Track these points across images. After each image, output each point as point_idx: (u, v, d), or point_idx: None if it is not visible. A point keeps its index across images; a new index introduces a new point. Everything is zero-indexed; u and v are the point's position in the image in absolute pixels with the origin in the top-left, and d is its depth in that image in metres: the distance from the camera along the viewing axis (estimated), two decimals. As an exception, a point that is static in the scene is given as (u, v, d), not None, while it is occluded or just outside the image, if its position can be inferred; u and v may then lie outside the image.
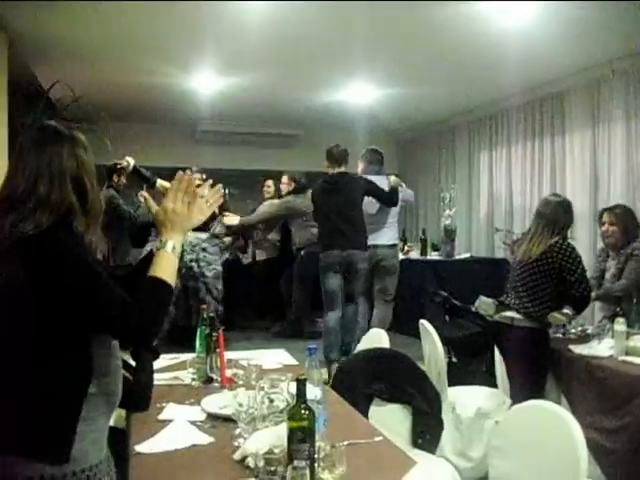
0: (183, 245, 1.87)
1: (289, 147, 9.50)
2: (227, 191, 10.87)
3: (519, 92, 7.26)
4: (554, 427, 2.12)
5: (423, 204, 10.38)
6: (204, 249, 6.65)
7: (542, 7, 4.66)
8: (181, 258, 1.87)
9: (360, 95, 7.60)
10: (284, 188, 7.72)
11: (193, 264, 6.52)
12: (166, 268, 1.78)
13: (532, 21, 4.93)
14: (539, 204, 4.32)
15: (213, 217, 6.15)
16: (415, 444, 3.11)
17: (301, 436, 1.74)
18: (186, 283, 6.45)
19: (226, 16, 4.92)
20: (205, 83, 7.01)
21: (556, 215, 4.11)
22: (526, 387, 3.53)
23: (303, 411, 1.76)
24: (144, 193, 2.51)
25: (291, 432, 1.75)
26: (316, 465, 1.76)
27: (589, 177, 6.55)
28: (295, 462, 1.71)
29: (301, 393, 1.79)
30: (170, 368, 3.19)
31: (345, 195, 5.95)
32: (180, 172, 1.90)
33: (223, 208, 6.91)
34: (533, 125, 7.54)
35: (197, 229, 5.11)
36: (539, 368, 4.00)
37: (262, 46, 5.69)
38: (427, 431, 3.18)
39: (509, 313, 4.08)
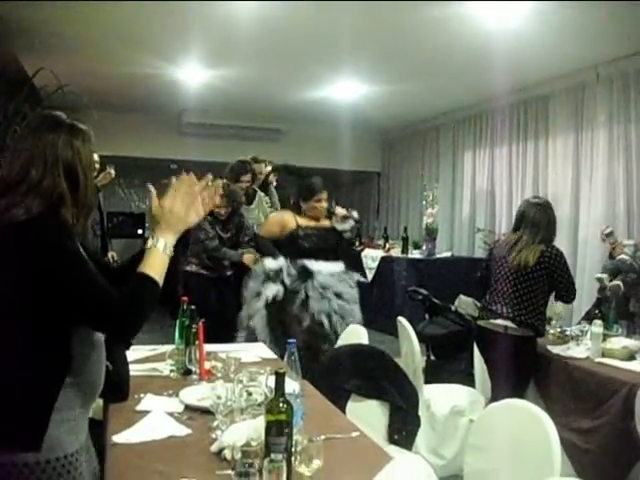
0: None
1: (273, 141, 9.49)
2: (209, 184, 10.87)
3: (504, 94, 7.30)
4: (529, 426, 2.15)
5: (405, 202, 10.43)
6: (338, 295, 4.59)
7: (530, 10, 4.70)
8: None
9: (345, 91, 7.61)
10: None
11: (322, 318, 4.47)
12: (156, 266, 1.79)
13: (519, 24, 4.95)
14: (523, 208, 4.23)
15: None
16: (391, 440, 3.13)
17: (278, 429, 1.75)
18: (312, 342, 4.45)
19: (213, 9, 4.91)
20: (191, 75, 6.99)
21: (544, 219, 4.10)
22: (511, 389, 3.54)
23: (281, 404, 1.76)
24: (151, 187, 2.35)
25: (268, 425, 1.76)
26: (293, 459, 1.77)
27: (571, 180, 6.61)
28: (272, 455, 1.72)
29: (280, 386, 1.79)
30: (149, 359, 3.19)
31: None
32: (184, 174, 1.92)
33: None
34: (517, 127, 7.59)
35: (322, 257, 4.65)
36: (527, 373, 4.02)
37: (249, 40, 5.68)
38: (403, 428, 3.20)
39: (501, 321, 4.03)
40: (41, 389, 1.68)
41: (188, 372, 2.94)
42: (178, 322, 3.15)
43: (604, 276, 4.48)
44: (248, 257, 5.32)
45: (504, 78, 6.47)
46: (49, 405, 1.68)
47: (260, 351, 3.59)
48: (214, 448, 1.99)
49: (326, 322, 4.45)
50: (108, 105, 8.24)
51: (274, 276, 4.60)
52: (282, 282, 4.55)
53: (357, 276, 4.92)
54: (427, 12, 4.82)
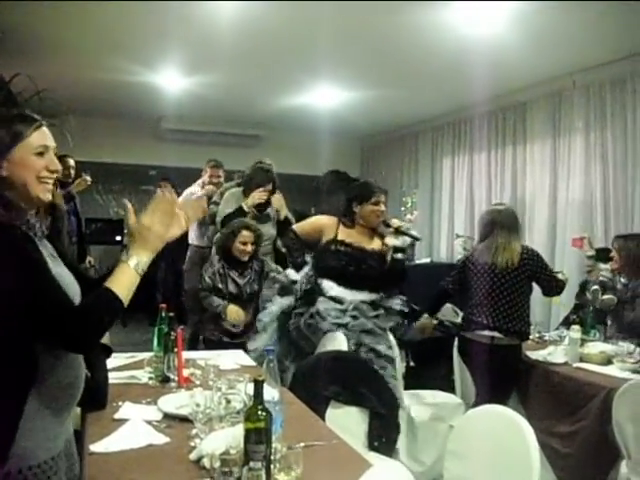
0: None
1: (253, 147, 9.46)
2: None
3: (483, 101, 7.33)
4: (508, 431, 2.16)
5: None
6: (369, 331, 3.96)
7: (508, 18, 4.72)
8: None
9: (325, 98, 7.61)
10: None
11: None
12: (123, 282, 1.75)
13: (498, 31, 4.98)
14: (491, 216, 4.32)
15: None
16: (371, 447, 3.13)
17: (257, 437, 1.74)
18: None
19: (193, 15, 4.89)
20: (170, 81, 6.96)
21: (513, 222, 4.22)
22: (496, 397, 3.57)
23: (260, 412, 1.76)
24: (128, 203, 2.25)
25: (247, 433, 1.75)
26: (272, 466, 1.77)
27: (549, 186, 6.65)
28: (251, 463, 1.71)
29: (258, 394, 1.79)
30: (127, 367, 3.17)
31: None
32: (159, 191, 1.89)
33: None
34: (496, 133, 7.63)
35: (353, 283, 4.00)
36: (512, 380, 4.05)
37: (228, 46, 5.66)
38: (383, 434, 3.21)
39: (487, 332, 4.05)
40: (4, 401, 1.64)
41: (167, 380, 2.93)
42: (156, 329, 3.14)
43: (597, 288, 4.48)
44: (231, 312, 4.58)
45: (483, 85, 6.50)
46: (14, 416, 1.64)
47: (239, 358, 3.58)
48: (193, 456, 1.98)
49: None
50: (87, 111, 8.18)
51: (289, 288, 4.24)
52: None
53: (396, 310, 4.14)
54: (407, 18, 4.84)
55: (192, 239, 6.77)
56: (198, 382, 2.83)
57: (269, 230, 5.39)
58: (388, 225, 4.10)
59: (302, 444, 2.02)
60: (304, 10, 4.77)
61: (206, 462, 1.91)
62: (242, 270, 4.81)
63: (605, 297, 4.36)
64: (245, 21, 5.03)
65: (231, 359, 3.47)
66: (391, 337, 4.05)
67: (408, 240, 4.16)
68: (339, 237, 4.11)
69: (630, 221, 5.65)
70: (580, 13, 4.60)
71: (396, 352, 4.05)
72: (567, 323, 4.75)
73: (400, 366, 4.17)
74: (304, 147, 9.57)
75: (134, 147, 9.18)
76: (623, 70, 5.70)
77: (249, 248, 4.74)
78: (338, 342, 3.92)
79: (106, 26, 5.28)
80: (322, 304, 3.94)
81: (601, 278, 4.52)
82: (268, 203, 5.47)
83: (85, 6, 4.71)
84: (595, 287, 4.45)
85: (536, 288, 4.28)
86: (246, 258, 4.77)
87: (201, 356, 3.37)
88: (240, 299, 4.71)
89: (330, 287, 4.00)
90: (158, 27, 5.24)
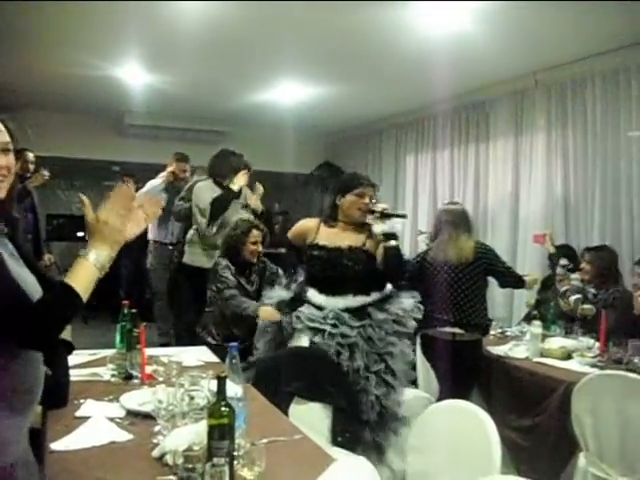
0: None
1: (218, 144, 9.35)
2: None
3: (446, 98, 7.38)
4: (470, 425, 2.19)
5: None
6: (352, 345, 3.52)
7: (472, 16, 4.76)
8: None
9: (289, 94, 7.60)
10: None
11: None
12: (81, 277, 1.70)
13: (462, 30, 5.01)
14: (443, 215, 4.39)
15: None
16: (335, 442, 3.14)
17: (221, 433, 1.74)
18: None
19: (157, 10, 4.85)
20: (134, 76, 6.89)
21: (462, 219, 4.30)
22: (459, 392, 3.60)
23: (223, 408, 1.75)
24: (84, 197, 2.15)
25: (211, 429, 1.75)
26: (235, 462, 1.77)
27: (511, 184, 6.73)
28: (214, 459, 1.71)
29: (221, 390, 1.79)
30: (89, 364, 3.14)
31: None
32: (121, 184, 1.86)
33: None
34: (459, 131, 7.69)
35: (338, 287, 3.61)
36: (474, 375, 4.10)
37: (192, 42, 5.63)
38: (347, 429, 3.22)
39: (448, 329, 4.11)
40: None
41: (129, 377, 2.91)
42: (119, 326, 3.12)
43: (579, 297, 4.52)
44: (265, 312, 4.05)
45: (446, 83, 6.56)
46: None
47: (202, 354, 3.57)
48: (156, 453, 1.97)
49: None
50: (49, 105, 8.09)
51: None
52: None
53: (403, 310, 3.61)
54: (371, 16, 4.85)
55: (154, 235, 6.69)
56: (161, 379, 2.80)
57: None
58: (372, 212, 3.62)
59: (265, 440, 2.02)
60: (269, 7, 4.75)
61: (169, 459, 1.90)
62: (248, 274, 4.72)
63: (585, 306, 4.44)
64: (209, 17, 5.01)
65: (194, 355, 3.46)
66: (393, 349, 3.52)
67: (398, 225, 3.60)
68: (317, 240, 3.74)
69: (590, 217, 5.75)
70: (542, 13, 4.66)
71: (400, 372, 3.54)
72: (528, 319, 4.83)
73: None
74: (268, 143, 9.55)
75: (97, 142, 9.05)
76: (584, 70, 5.80)
77: (260, 248, 4.67)
78: (300, 340, 3.93)
79: (68, 19, 5.21)
80: (304, 308, 3.67)
81: (569, 287, 4.61)
82: (241, 191, 5.51)
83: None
84: (577, 296, 4.51)
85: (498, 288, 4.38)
86: (255, 259, 4.69)
87: (164, 353, 3.35)
88: None
89: (313, 295, 3.70)
90: (122, 22, 5.18)
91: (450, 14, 4.74)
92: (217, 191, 5.37)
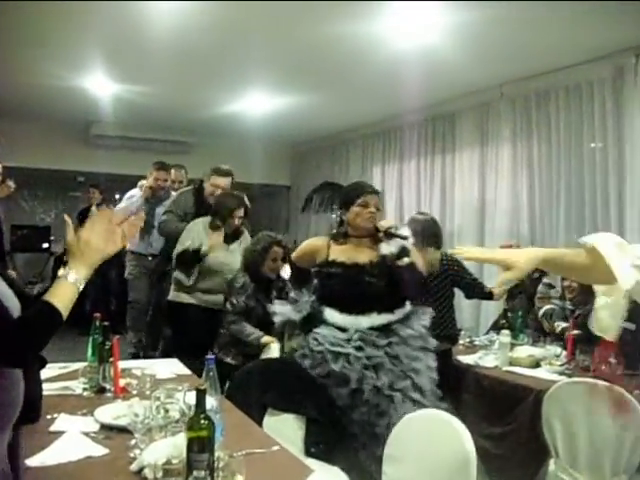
0: None
1: (184, 154, 9.36)
2: (117, 197, 10.64)
3: (413, 110, 7.47)
4: (446, 435, 2.21)
5: (316, 216, 10.46)
6: (378, 365, 3.31)
7: (438, 29, 4.82)
8: None
9: (257, 105, 7.62)
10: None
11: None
12: (61, 295, 1.72)
13: (429, 42, 5.07)
14: (411, 225, 4.43)
15: None
16: (308, 453, 3.13)
17: (200, 446, 1.74)
18: None
19: (123, 20, 4.84)
20: (101, 87, 6.85)
21: (432, 230, 4.36)
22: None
23: (202, 421, 1.76)
24: (67, 218, 2.06)
25: (190, 442, 1.74)
26: (215, 475, 1.77)
27: (477, 195, 6.83)
28: (194, 472, 1.71)
29: (200, 403, 1.79)
30: (60, 377, 3.10)
31: None
32: (95, 209, 1.87)
33: None
34: (425, 142, 7.78)
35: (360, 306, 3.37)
36: (445, 384, 4.12)
37: (159, 53, 5.63)
38: (320, 440, 3.22)
39: None
40: None
41: (102, 390, 2.88)
42: (91, 339, 3.09)
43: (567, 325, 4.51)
44: (274, 350, 4.15)
45: (413, 94, 6.63)
46: None
47: (175, 367, 3.55)
48: (134, 467, 1.96)
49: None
50: (10, 113, 7.98)
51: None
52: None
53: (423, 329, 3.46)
54: (339, 28, 4.89)
55: (133, 246, 6.45)
56: (135, 392, 2.79)
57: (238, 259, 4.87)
58: (378, 230, 3.45)
59: (243, 452, 2.03)
60: (236, 18, 4.78)
61: (148, 473, 1.89)
62: (267, 292, 4.53)
63: (564, 325, 4.49)
64: (177, 28, 5.01)
65: (167, 368, 3.44)
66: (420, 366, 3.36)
67: (407, 242, 3.41)
68: (330, 257, 3.48)
69: (555, 226, 5.86)
70: (508, 27, 4.76)
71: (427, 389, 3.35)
72: (496, 328, 4.89)
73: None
74: (235, 154, 9.50)
75: (62, 152, 8.95)
76: (548, 83, 5.93)
77: (280, 265, 4.59)
78: (271, 351, 3.92)
79: (33, 29, 5.17)
80: (322, 329, 3.40)
81: (553, 306, 4.66)
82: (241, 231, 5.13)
83: (8, 6, 4.59)
84: (565, 325, 4.48)
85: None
86: (275, 275, 4.59)
87: (136, 365, 3.33)
88: (265, 323, 4.28)
89: (331, 315, 3.41)
90: (88, 33, 5.16)
91: (418, 27, 4.80)
92: (207, 232, 4.91)
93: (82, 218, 8.91)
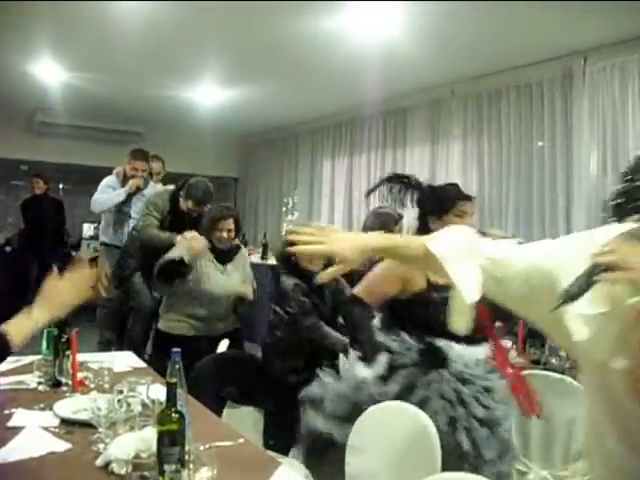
0: None
1: (131, 144, 9.20)
2: (61, 186, 10.43)
3: (365, 104, 7.49)
4: (409, 426, 2.25)
5: (264, 208, 10.47)
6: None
7: (391, 25, 4.86)
8: None
9: (207, 96, 7.56)
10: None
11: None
12: (20, 328, 1.88)
13: (382, 38, 5.11)
14: (375, 219, 4.47)
15: None
16: (266, 446, 3.15)
17: (171, 439, 1.73)
18: None
19: (74, 7, 4.73)
20: (49, 73, 6.69)
21: (382, 224, 4.37)
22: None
23: (174, 414, 1.75)
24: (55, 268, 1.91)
25: (161, 435, 1.73)
26: (186, 468, 1.76)
27: (426, 190, 6.90)
28: (166, 466, 1.70)
29: (171, 396, 1.77)
30: (13, 371, 3.02)
31: None
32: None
33: None
34: (376, 137, 7.84)
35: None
36: None
37: (109, 40, 5.54)
38: (278, 433, 3.24)
39: None
40: None
41: (58, 384, 2.82)
42: (45, 332, 3.02)
43: None
44: None
45: (365, 89, 6.67)
46: None
47: (129, 360, 3.50)
48: (100, 462, 1.93)
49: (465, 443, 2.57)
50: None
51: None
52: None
53: None
54: (292, 21, 4.89)
55: (105, 237, 6.15)
56: (92, 385, 2.75)
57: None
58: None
59: (211, 444, 2.02)
60: (189, 8, 4.73)
61: (115, 467, 1.87)
62: (320, 291, 3.86)
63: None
64: (129, 16, 4.93)
65: (123, 361, 3.39)
66: None
67: None
68: (432, 279, 2.81)
69: (504, 222, 5.99)
70: (462, 27, 4.83)
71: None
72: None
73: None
74: (184, 145, 9.46)
75: (4, 140, 8.69)
76: (499, 82, 6.05)
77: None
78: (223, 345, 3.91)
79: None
80: (456, 365, 2.79)
81: None
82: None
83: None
84: None
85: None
86: (317, 268, 3.75)
87: (92, 359, 3.27)
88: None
89: (449, 347, 2.81)
90: (37, 19, 5.04)
91: (373, 23, 4.83)
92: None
93: (26, 209, 8.71)
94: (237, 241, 4.65)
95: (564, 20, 4.69)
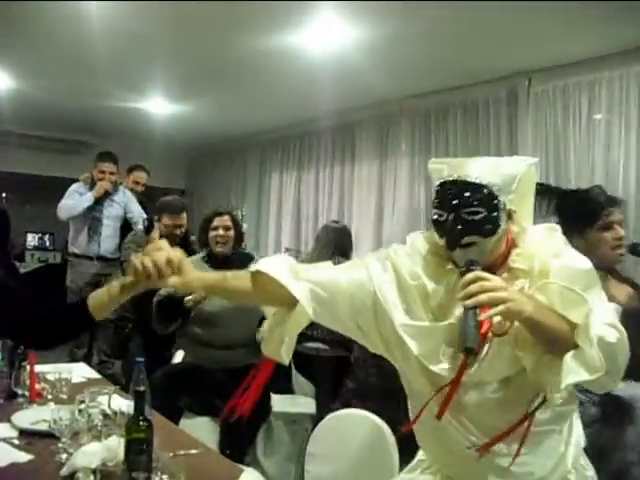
0: None
1: (80, 154, 9.09)
2: (4, 195, 10.20)
3: (313, 119, 7.56)
4: (367, 432, 2.31)
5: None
6: None
7: (345, 41, 4.93)
8: None
9: (156, 107, 7.53)
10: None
11: None
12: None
13: (332, 52, 5.16)
14: (319, 231, 4.55)
15: None
16: (222, 454, 3.17)
17: (139, 448, 1.75)
18: None
19: (24, 13, 4.68)
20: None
21: (336, 239, 4.44)
22: (336, 403, 3.69)
23: (142, 422, 1.77)
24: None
25: (129, 444, 1.75)
26: (154, 476, 1.78)
27: (375, 205, 7.01)
28: (133, 474, 1.72)
29: (139, 406, 1.80)
30: (-34, 383, 2.99)
31: None
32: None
33: None
34: (325, 152, 7.90)
35: None
36: (346, 391, 4.21)
37: (60, 48, 5.48)
38: (234, 443, 3.27)
39: (312, 344, 4.19)
40: None
41: (13, 395, 2.80)
42: (0, 343, 3.00)
43: None
44: None
45: (313, 104, 6.73)
46: None
47: (83, 371, 3.49)
48: (65, 472, 1.93)
49: None
50: None
51: None
52: None
53: None
54: (243, 36, 4.91)
55: (79, 247, 5.95)
56: (50, 396, 2.74)
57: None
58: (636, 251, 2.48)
59: (175, 453, 2.05)
60: (141, 19, 4.74)
61: (81, 476, 1.88)
62: None
63: None
64: (79, 24, 4.87)
65: (76, 372, 3.36)
66: None
67: None
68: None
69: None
70: (411, 43, 4.93)
71: None
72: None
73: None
74: (135, 156, 9.31)
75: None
76: (446, 101, 6.19)
77: None
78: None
79: None
80: None
81: None
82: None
83: None
84: None
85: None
86: None
87: (48, 370, 3.25)
88: None
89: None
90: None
91: (324, 38, 4.88)
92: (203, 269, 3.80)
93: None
94: (246, 249, 4.28)
95: (510, 42, 4.84)
